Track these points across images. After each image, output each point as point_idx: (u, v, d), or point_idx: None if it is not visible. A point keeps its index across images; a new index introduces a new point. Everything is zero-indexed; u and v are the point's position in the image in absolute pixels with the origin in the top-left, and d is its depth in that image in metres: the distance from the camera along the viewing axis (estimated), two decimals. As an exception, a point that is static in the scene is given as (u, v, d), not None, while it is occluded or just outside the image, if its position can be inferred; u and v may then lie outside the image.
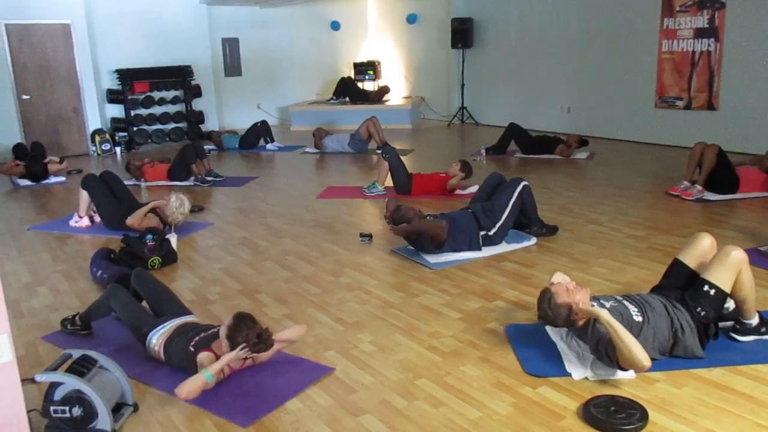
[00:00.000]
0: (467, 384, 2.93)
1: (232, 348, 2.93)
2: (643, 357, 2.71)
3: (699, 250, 3.17)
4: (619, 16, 9.34)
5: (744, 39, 7.96)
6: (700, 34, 8.41)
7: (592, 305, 2.96)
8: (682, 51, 8.64)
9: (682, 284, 3.14)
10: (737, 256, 2.97)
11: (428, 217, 4.69)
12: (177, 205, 5.39)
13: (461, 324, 3.56)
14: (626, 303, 3.05)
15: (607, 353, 2.82)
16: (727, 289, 2.99)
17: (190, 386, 2.78)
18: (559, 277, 3.22)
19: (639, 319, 2.96)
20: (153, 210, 5.49)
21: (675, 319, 2.97)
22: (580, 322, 2.97)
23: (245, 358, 3.02)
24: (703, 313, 2.97)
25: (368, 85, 12.95)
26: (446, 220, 4.67)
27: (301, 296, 4.09)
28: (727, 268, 2.97)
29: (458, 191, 6.59)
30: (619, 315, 2.95)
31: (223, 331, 2.97)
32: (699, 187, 6.00)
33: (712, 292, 2.97)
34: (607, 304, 3.02)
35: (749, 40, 7.91)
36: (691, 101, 8.65)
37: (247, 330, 2.92)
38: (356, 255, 4.85)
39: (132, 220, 5.36)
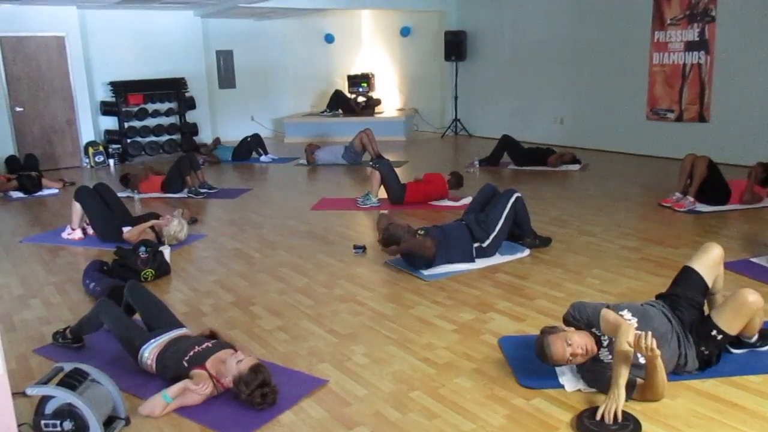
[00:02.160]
0: (461, 396, 2.92)
1: (234, 384, 2.89)
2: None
3: (711, 260, 3.12)
4: (611, 29, 9.43)
5: (734, 51, 8.04)
6: (690, 47, 8.49)
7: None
8: (673, 63, 8.72)
9: (695, 294, 3.08)
10: (755, 303, 2.88)
11: (419, 232, 4.69)
12: (178, 229, 5.47)
13: (455, 336, 3.56)
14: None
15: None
16: (735, 332, 2.96)
17: (150, 405, 2.82)
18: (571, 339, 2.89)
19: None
20: (151, 226, 5.51)
21: (683, 354, 2.94)
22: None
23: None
24: (707, 353, 2.97)
25: (361, 99, 12.90)
26: (437, 233, 4.67)
27: (294, 308, 4.08)
28: (741, 315, 2.91)
29: (451, 202, 6.62)
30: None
31: (232, 371, 2.90)
32: (691, 198, 6.04)
33: (720, 337, 2.94)
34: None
35: (739, 53, 7.99)
36: (683, 113, 8.71)
37: (258, 389, 2.82)
38: (350, 266, 4.85)
39: (130, 234, 5.35)
